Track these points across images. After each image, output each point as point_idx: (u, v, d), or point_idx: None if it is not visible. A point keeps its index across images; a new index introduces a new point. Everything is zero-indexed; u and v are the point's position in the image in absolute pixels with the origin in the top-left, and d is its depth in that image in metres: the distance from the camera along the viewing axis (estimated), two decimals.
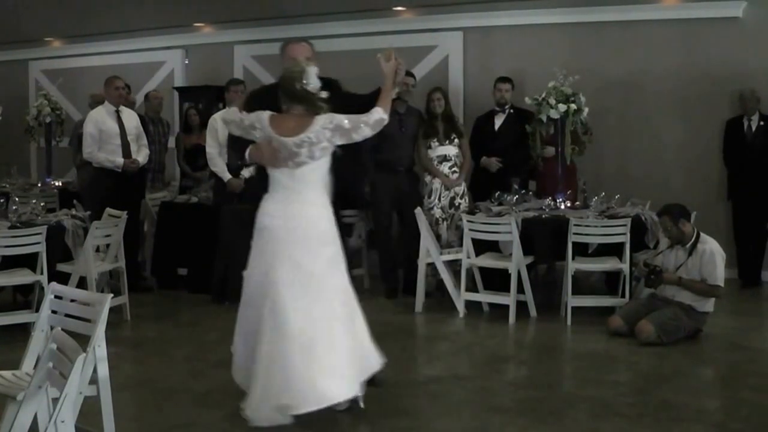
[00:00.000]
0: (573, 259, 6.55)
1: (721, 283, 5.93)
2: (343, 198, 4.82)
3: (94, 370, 3.37)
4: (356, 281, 8.13)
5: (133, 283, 7.19)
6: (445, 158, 7.50)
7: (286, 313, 4.10)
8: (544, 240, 6.72)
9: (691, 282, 5.96)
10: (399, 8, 9.51)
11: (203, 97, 10.18)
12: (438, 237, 7.30)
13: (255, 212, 4.39)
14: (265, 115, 4.35)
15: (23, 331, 5.58)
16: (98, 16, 10.33)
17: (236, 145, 4.64)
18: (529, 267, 6.77)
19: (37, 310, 4.78)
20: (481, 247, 6.88)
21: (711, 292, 5.95)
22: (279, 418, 4.07)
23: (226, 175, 7.46)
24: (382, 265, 7.82)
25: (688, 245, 6.03)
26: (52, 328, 3.51)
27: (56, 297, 3.68)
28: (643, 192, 7.62)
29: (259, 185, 4.53)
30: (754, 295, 7.74)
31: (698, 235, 6.06)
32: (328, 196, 4.41)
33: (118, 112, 7.61)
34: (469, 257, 6.77)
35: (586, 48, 8.66)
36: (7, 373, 3.54)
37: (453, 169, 7.53)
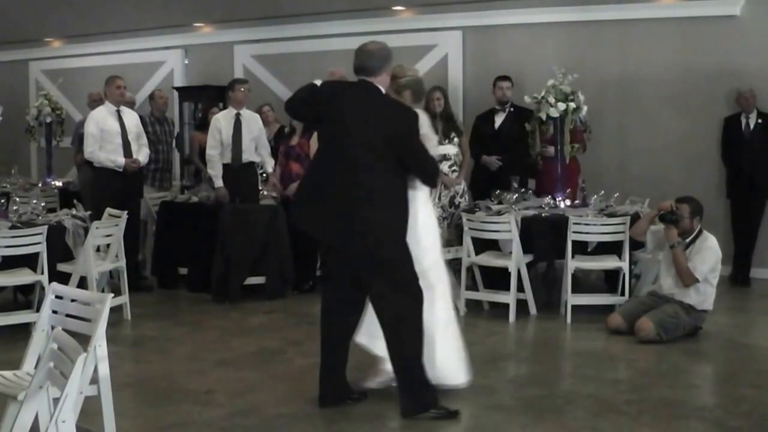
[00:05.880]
0: (572, 257, 6.56)
1: (701, 278, 5.92)
2: None
3: (95, 370, 3.37)
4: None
5: (133, 282, 7.19)
6: (444, 157, 7.49)
7: None
8: (544, 238, 6.73)
9: (681, 255, 5.94)
10: (398, 7, 9.53)
11: (203, 97, 10.19)
12: None
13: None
14: None
15: (24, 330, 5.59)
16: (98, 16, 10.34)
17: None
18: (528, 265, 6.77)
19: (37, 310, 4.80)
20: (481, 245, 6.89)
21: (687, 277, 5.91)
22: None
23: (218, 182, 7.44)
24: None
25: (688, 240, 6.05)
26: (52, 327, 3.51)
27: (57, 297, 3.68)
28: (642, 190, 7.62)
29: None
30: (752, 293, 7.75)
31: (700, 231, 6.08)
32: None
33: (118, 111, 7.60)
34: (469, 256, 6.78)
35: (584, 46, 8.67)
36: (8, 373, 3.55)
37: (453, 168, 7.54)
